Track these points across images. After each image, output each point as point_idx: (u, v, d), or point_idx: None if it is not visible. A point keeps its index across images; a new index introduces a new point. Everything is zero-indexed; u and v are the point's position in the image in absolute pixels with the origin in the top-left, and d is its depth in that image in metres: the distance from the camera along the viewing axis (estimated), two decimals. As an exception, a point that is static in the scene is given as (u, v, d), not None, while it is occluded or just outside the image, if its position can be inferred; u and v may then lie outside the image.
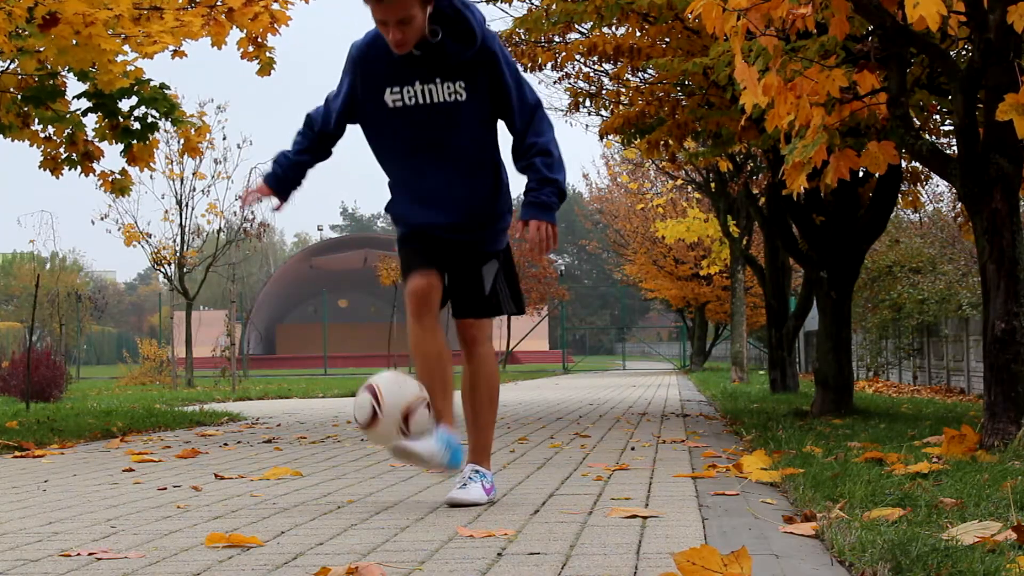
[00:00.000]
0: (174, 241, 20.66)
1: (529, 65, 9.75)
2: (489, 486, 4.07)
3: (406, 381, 3.89)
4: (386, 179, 4.24)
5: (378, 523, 3.60)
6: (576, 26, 9.63)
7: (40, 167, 9.11)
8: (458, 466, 4.01)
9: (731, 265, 19.60)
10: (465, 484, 4.02)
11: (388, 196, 4.25)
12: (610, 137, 9.47)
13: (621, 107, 10.14)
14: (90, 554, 3.09)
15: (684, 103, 8.92)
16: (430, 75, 3.99)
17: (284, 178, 4.20)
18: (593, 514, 3.67)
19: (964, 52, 7.17)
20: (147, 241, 20.43)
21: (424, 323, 4.02)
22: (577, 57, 9.93)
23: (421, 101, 4.01)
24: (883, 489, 3.85)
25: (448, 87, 4.00)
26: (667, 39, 8.56)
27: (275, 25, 7.95)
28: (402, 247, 4.18)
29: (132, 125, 8.94)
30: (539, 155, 4.02)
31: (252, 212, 20.96)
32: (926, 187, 9.68)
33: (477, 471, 4.07)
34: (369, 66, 4.05)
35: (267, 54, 8.34)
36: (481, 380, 4.15)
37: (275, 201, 4.23)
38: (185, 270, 20.81)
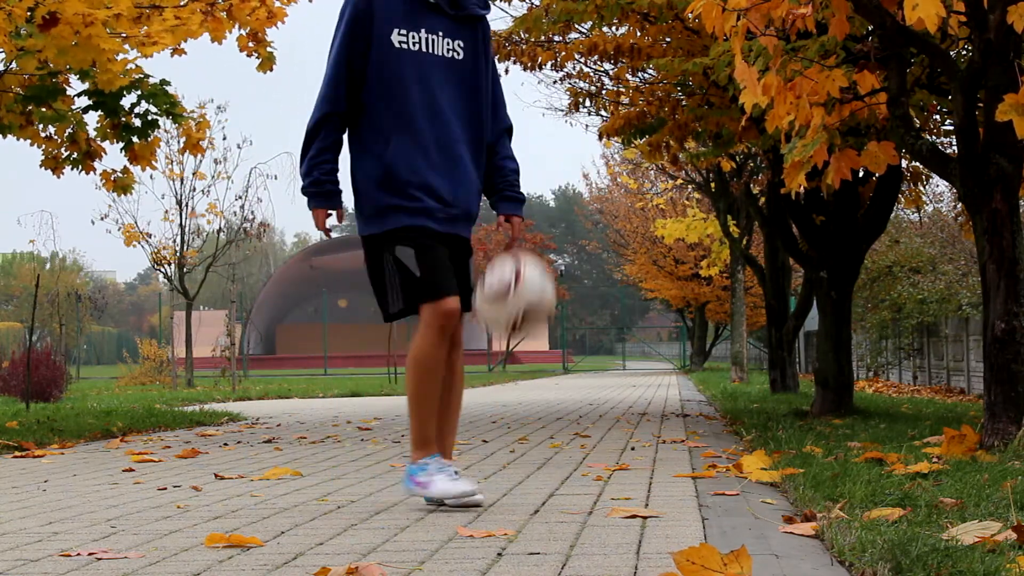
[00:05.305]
0: (174, 241, 20.67)
1: (529, 65, 9.75)
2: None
3: (549, 285, 3.79)
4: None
5: (378, 523, 3.60)
6: (576, 26, 9.63)
7: (41, 166, 9.08)
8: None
9: (731, 265, 19.60)
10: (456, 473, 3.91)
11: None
12: (610, 138, 9.46)
13: (621, 107, 10.14)
14: (90, 554, 3.09)
15: (684, 103, 8.92)
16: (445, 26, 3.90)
17: (339, 192, 3.93)
18: (593, 514, 3.67)
19: (964, 52, 7.16)
20: (147, 241, 20.45)
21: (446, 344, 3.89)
22: (577, 57, 9.93)
23: (426, 49, 3.87)
24: (883, 489, 3.85)
25: (448, 43, 3.91)
26: (667, 39, 8.56)
27: (272, 19, 7.95)
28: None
29: (133, 122, 8.93)
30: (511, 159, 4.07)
31: (252, 212, 20.99)
32: (926, 187, 9.68)
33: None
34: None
35: (267, 49, 8.33)
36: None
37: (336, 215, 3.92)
38: (185, 270, 20.81)
